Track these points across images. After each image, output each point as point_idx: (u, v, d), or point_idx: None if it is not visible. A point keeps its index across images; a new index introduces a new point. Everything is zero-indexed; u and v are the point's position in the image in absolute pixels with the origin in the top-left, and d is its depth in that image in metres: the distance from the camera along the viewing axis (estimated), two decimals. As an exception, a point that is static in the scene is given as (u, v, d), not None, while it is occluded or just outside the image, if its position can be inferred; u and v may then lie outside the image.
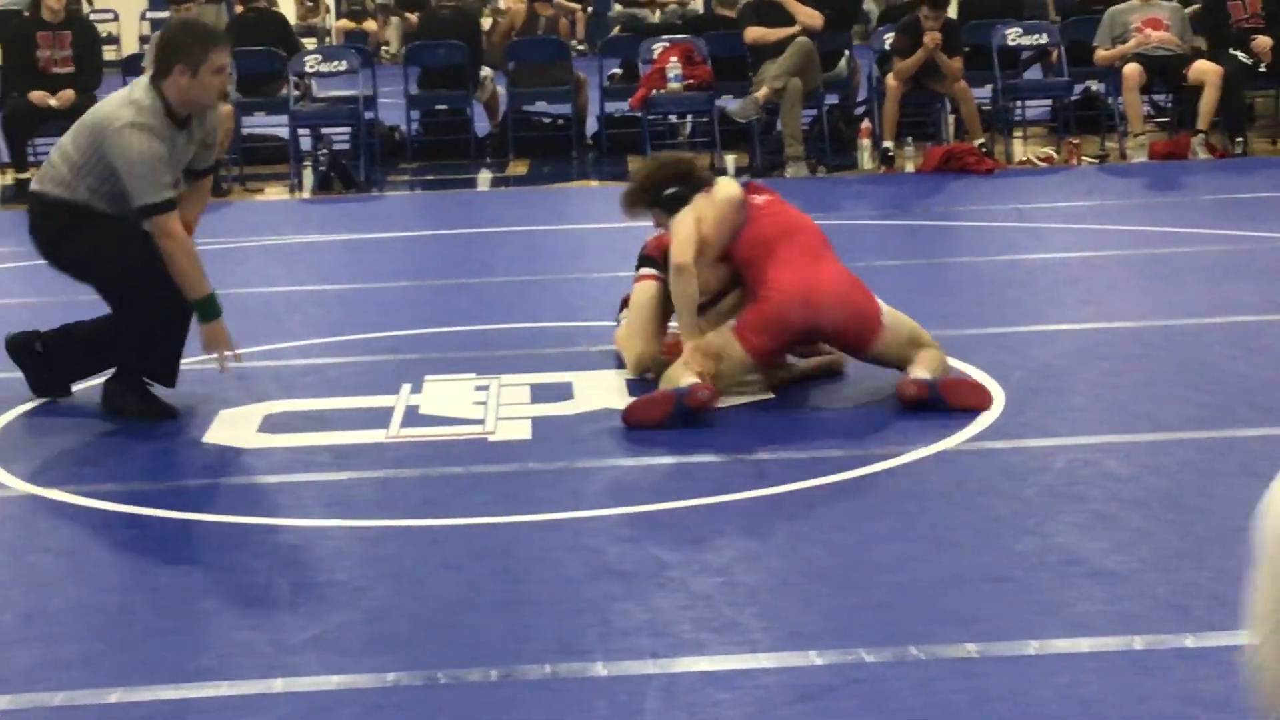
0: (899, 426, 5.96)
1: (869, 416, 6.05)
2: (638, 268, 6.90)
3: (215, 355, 6.55)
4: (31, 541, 5.18)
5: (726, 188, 6.59)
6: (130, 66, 14.68)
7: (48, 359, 6.72)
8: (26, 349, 6.74)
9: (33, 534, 5.25)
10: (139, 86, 6.43)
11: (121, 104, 6.36)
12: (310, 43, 18.67)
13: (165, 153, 6.30)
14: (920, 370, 6.19)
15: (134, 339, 6.48)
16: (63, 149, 6.55)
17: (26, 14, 13.35)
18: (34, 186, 6.71)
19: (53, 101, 12.80)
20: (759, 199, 6.63)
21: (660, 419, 6.00)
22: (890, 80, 12.97)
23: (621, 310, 7.08)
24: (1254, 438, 5.73)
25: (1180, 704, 3.78)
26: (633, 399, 6.21)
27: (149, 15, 22.89)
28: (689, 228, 6.37)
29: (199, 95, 6.40)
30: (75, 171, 6.44)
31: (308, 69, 14.16)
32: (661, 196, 6.57)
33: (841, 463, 5.63)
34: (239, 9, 16.10)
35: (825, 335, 6.39)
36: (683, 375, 6.11)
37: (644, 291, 6.68)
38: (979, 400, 6.21)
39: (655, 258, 6.76)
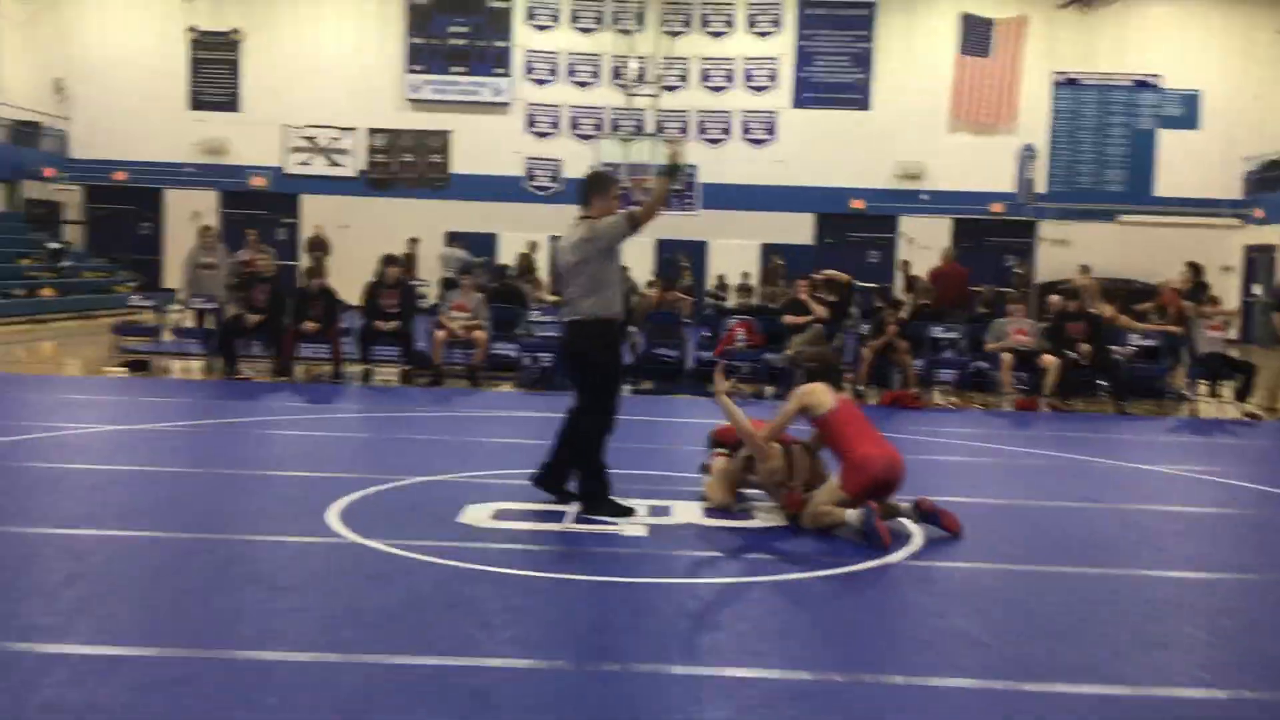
0: (858, 548, 5.94)
1: (844, 543, 6.03)
2: (710, 448, 7.05)
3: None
4: (358, 570, 5.26)
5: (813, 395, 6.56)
6: (433, 313, 14.95)
7: (553, 469, 6.72)
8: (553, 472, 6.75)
9: (358, 565, 5.33)
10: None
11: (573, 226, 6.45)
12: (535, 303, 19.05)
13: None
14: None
15: (594, 427, 6.51)
16: (574, 284, 6.41)
17: (375, 279, 13.77)
18: (566, 318, 6.50)
19: (385, 327, 13.17)
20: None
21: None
22: (865, 351, 13.04)
23: (702, 471, 7.13)
24: (1072, 573, 5.66)
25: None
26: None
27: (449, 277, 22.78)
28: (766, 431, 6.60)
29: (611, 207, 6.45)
30: (580, 282, 6.34)
31: (530, 318, 14.52)
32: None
33: (825, 563, 5.61)
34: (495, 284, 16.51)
35: (891, 487, 6.30)
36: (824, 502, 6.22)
37: (720, 463, 6.79)
38: (955, 524, 6.26)
39: (720, 440, 6.96)
